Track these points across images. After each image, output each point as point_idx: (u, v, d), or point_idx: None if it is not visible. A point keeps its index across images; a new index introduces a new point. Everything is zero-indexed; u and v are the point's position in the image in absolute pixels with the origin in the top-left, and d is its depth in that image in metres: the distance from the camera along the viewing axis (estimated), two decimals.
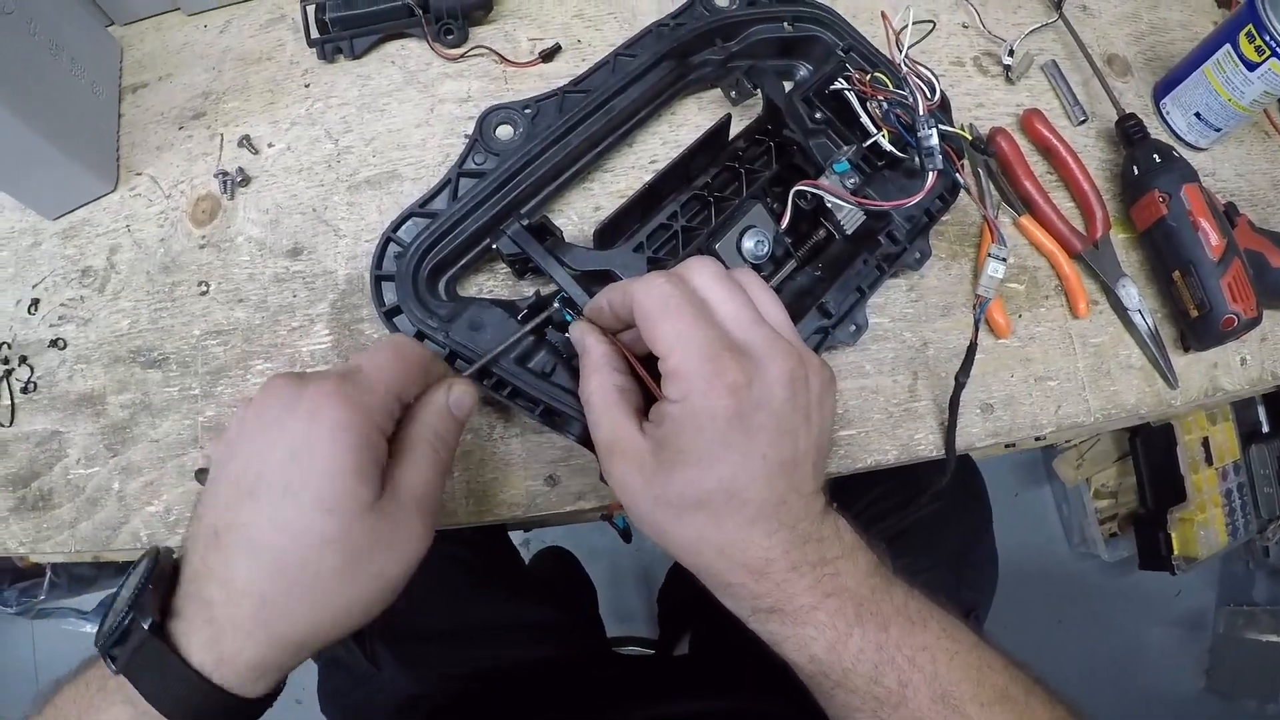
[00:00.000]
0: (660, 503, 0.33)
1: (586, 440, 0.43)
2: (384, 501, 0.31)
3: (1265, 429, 1.42)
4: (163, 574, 0.31)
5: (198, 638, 0.29)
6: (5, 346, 0.53)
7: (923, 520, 0.70)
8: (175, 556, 0.32)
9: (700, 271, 0.35)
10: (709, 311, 0.33)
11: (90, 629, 1.19)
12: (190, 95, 0.58)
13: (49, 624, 1.19)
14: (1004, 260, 0.51)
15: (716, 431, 0.31)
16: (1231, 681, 1.42)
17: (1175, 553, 1.30)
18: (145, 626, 0.29)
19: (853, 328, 0.47)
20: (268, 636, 0.29)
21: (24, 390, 0.51)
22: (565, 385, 0.43)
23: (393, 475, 0.32)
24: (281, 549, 0.29)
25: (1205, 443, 1.32)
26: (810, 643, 0.33)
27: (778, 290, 0.49)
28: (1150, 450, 1.34)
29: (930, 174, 0.45)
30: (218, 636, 0.29)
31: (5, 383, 0.52)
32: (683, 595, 1.21)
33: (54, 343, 0.52)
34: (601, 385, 0.36)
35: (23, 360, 0.52)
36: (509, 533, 0.82)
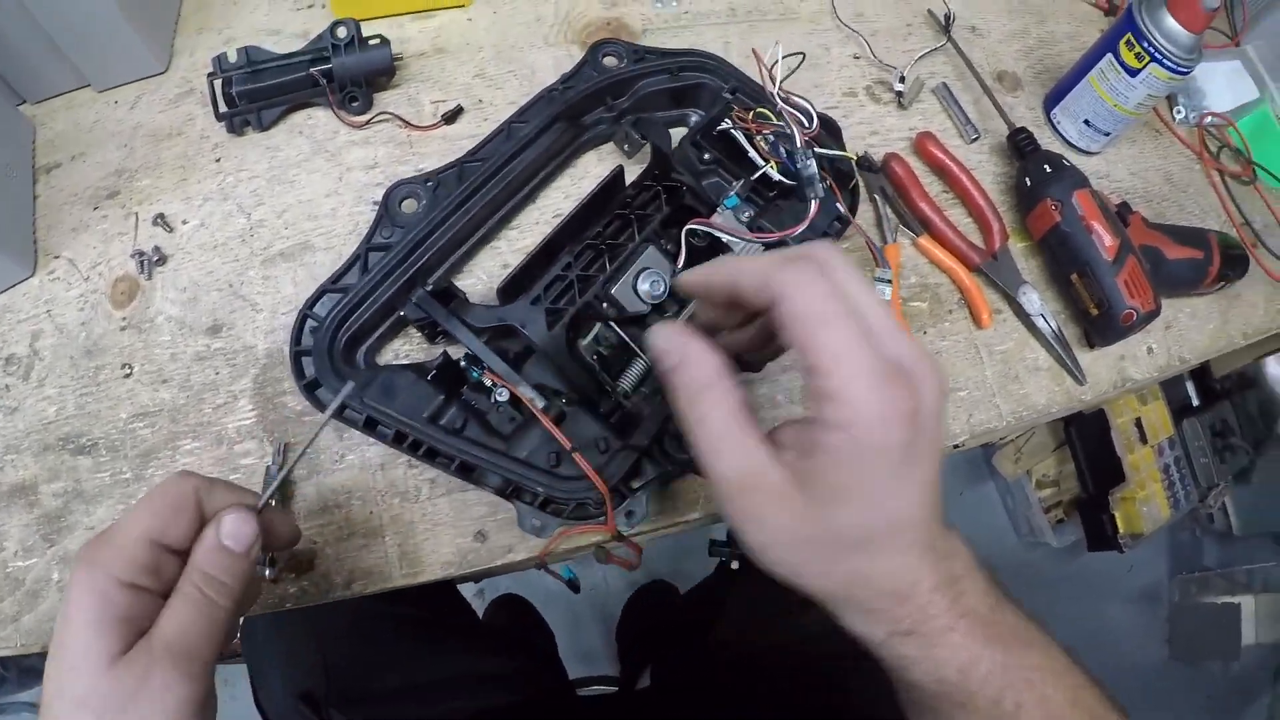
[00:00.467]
0: (813, 544, 0.30)
1: (503, 491, 0.45)
2: (133, 653, 0.30)
3: (1195, 402, 1.47)
4: None
5: None
6: None
7: None
8: None
9: (839, 265, 0.30)
10: (862, 316, 0.29)
11: None
12: (104, 174, 0.58)
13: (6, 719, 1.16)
14: (888, 282, 0.53)
15: (888, 467, 0.28)
16: (1192, 647, 1.47)
17: (1121, 531, 1.34)
18: None
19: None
20: None
21: None
22: (476, 439, 0.45)
23: (156, 624, 0.31)
24: (55, 711, 0.30)
25: (1138, 423, 1.36)
26: (943, 665, 0.31)
27: None
28: (1085, 437, 1.37)
29: (813, 201, 0.47)
30: None
31: None
32: (639, 629, 1.22)
33: None
34: (719, 405, 0.30)
35: None
36: (458, 585, 0.83)
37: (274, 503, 0.36)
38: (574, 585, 0.46)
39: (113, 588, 0.31)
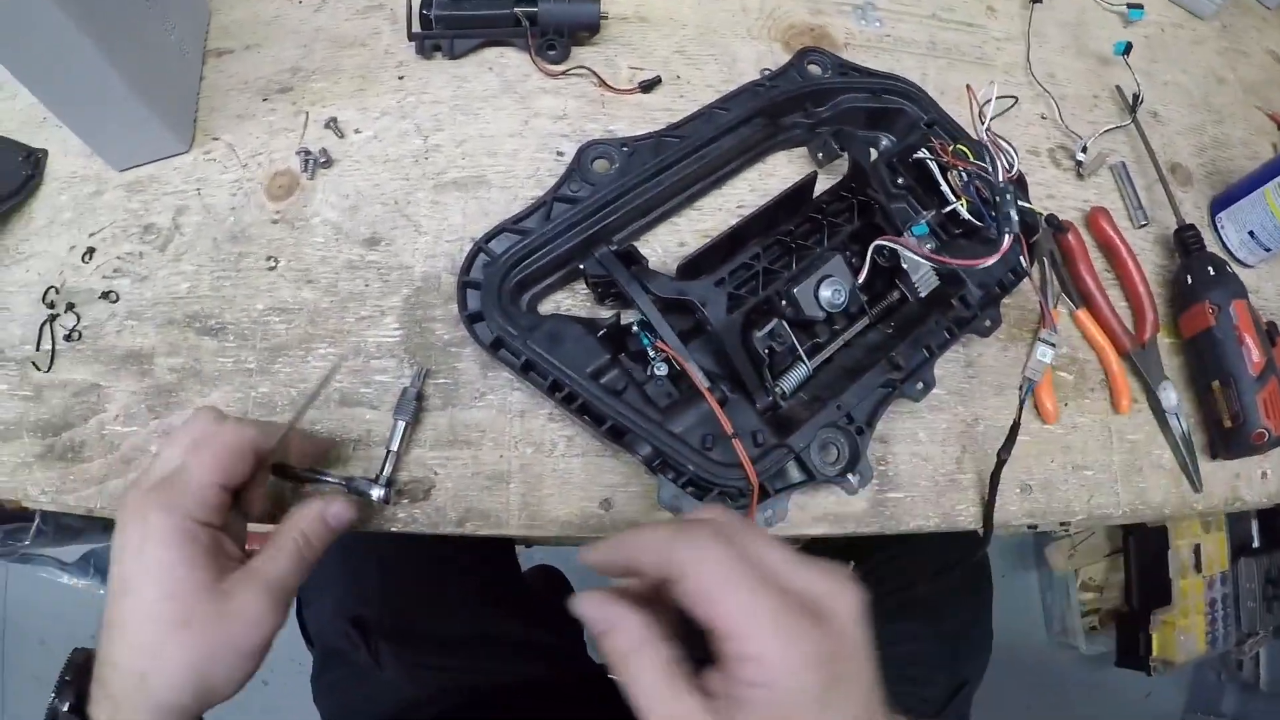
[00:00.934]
0: None
1: (651, 462, 0.44)
2: (230, 583, 0.36)
3: (1256, 544, 1.44)
4: (77, 665, 0.38)
5: (101, 712, 0.35)
6: (53, 290, 0.51)
7: (930, 593, 0.71)
8: (91, 649, 0.38)
9: (730, 521, 0.32)
10: (760, 566, 0.30)
11: (66, 580, 1.16)
12: (278, 69, 0.58)
13: (26, 569, 1.15)
14: (1053, 345, 0.52)
15: (813, 707, 0.29)
16: None
17: (1154, 654, 1.32)
18: (64, 709, 0.36)
19: (920, 385, 0.48)
20: (153, 704, 0.35)
21: (67, 338, 0.50)
22: (635, 405, 0.44)
23: (253, 560, 0.38)
24: (144, 633, 0.35)
25: (1196, 550, 1.34)
26: None
27: (848, 345, 0.50)
28: (1142, 550, 1.36)
29: (1006, 237, 0.46)
30: (114, 710, 0.35)
31: (49, 327, 0.51)
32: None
33: (105, 295, 0.51)
34: (648, 667, 0.30)
35: (70, 307, 0.51)
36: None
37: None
38: None
39: (195, 527, 0.36)
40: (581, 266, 0.47)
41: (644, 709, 0.30)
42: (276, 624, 0.37)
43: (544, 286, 0.49)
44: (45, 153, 0.55)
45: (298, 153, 0.54)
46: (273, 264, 0.52)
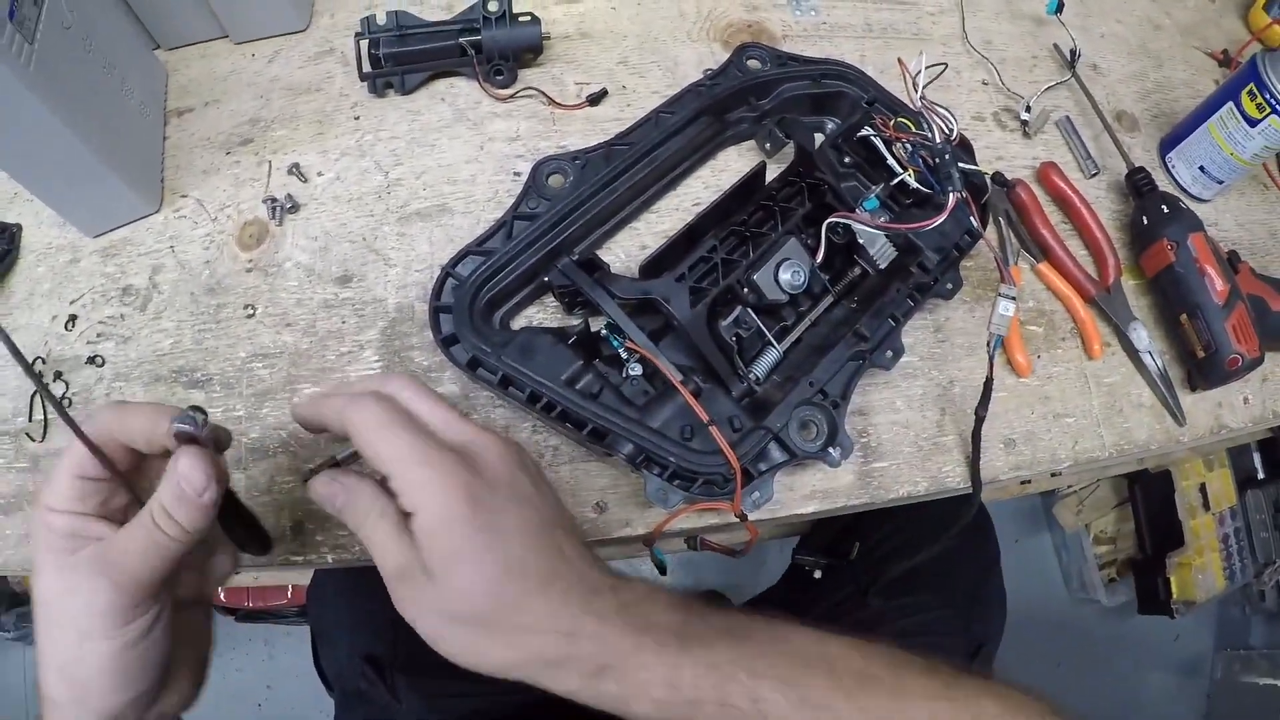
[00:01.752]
0: (453, 619, 0.33)
1: (634, 459, 0.45)
2: (77, 558, 0.33)
3: (1261, 475, 1.45)
4: None
5: None
6: (40, 361, 0.53)
7: (932, 559, 0.71)
8: None
9: (401, 388, 0.37)
10: (418, 421, 0.35)
11: None
12: (237, 122, 0.59)
13: None
14: (1013, 299, 0.53)
15: (467, 527, 0.32)
16: None
17: (1174, 597, 1.32)
18: None
19: (889, 353, 0.49)
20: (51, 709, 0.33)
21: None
22: (612, 405, 0.45)
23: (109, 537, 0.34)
24: (34, 612, 0.34)
25: (1202, 489, 1.35)
26: (647, 686, 0.33)
27: (814, 324, 0.51)
28: (1149, 496, 1.36)
29: (950, 195, 0.47)
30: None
31: (39, 397, 0.52)
32: None
33: (91, 359, 0.52)
34: (381, 521, 0.34)
35: (58, 376, 0.52)
36: None
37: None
38: (662, 568, 0.46)
39: (49, 515, 0.34)
40: (546, 279, 0.49)
41: (379, 562, 0.34)
42: (112, 600, 0.32)
43: (514, 303, 0.50)
44: (19, 227, 0.57)
45: (264, 201, 0.56)
46: (251, 311, 0.53)
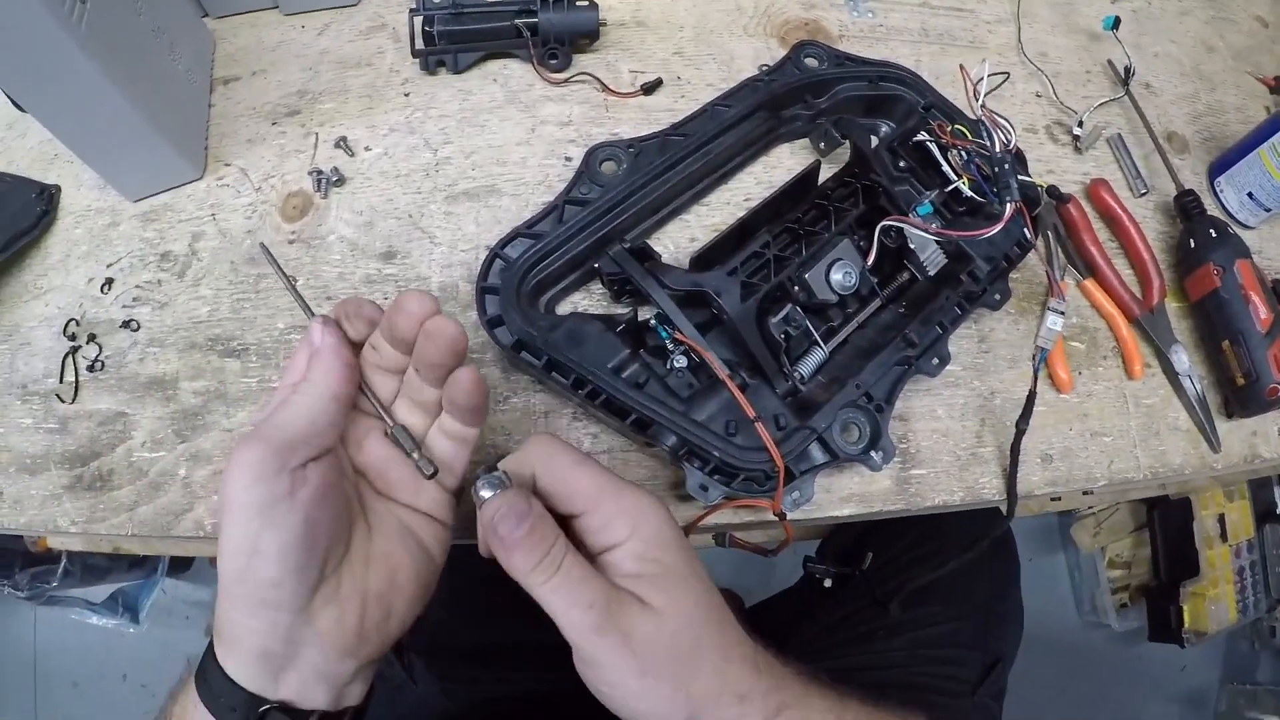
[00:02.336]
0: (668, 654, 0.33)
1: (677, 451, 0.44)
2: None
3: None
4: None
5: (220, 647, 0.33)
6: (73, 323, 0.52)
7: (953, 571, 0.71)
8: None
9: (547, 443, 0.37)
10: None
11: (96, 620, 1.16)
12: (285, 93, 0.59)
13: (55, 611, 1.16)
14: (1062, 314, 0.53)
15: (685, 549, 0.35)
16: None
17: (1186, 626, 1.32)
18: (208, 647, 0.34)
19: (935, 360, 0.49)
20: (259, 600, 0.32)
21: (90, 369, 0.51)
22: (658, 397, 0.45)
23: None
24: (232, 538, 0.32)
25: (1221, 519, 1.34)
26: None
27: (861, 326, 0.51)
28: (1167, 523, 1.35)
29: (1008, 206, 0.47)
30: (219, 633, 0.33)
31: (71, 359, 0.52)
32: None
33: (126, 324, 0.52)
34: (574, 564, 0.34)
35: (91, 338, 0.52)
36: None
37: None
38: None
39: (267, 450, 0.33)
40: (596, 265, 0.48)
41: (573, 599, 0.33)
42: (260, 453, 0.32)
43: (560, 288, 0.50)
44: (58, 188, 0.56)
45: (310, 173, 0.55)
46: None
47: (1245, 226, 0.64)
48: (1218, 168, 0.64)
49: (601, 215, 0.49)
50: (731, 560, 1.31)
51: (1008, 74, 0.52)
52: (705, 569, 0.35)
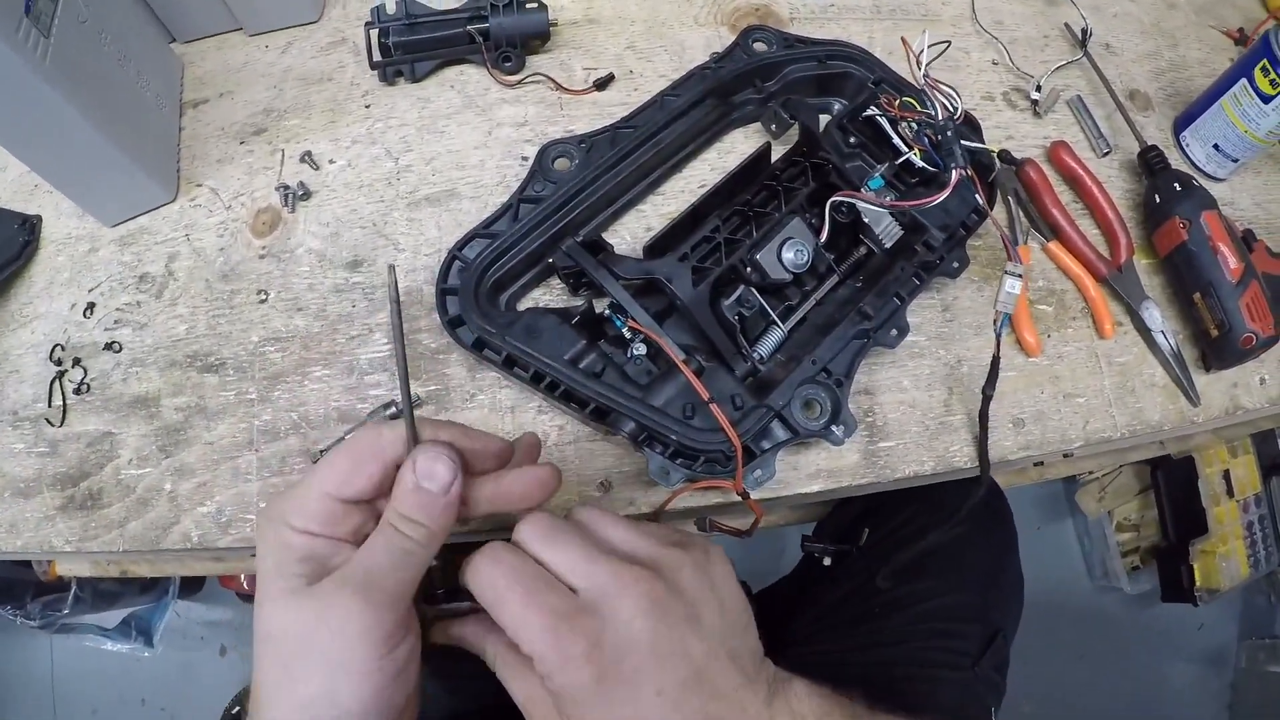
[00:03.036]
0: None
1: (636, 437, 0.45)
2: (315, 587, 0.30)
3: None
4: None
5: None
6: (59, 348, 0.54)
7: (948, 543, 0.71)
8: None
9: (524, 533, 0.34)
10: (544, 573, 0.33)
11: (110, 646, 1.18)
12: (251, 112, 0.60)
13: (69, 639, 1.18)
14: (1019, 276, 0.53)
15: (594, 700, 0.31)
16: (1254, 716, 1.41)
17: (1198, 584, 1.30)
18: None
19: (894, 332, 0.49)
20: None
21: (76, 391, 0.53)
22: (615, 384, 0.45)
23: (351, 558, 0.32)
24: (257, 653, 0.31)
25: (1226, 475, 1.32)
26: None
27: (819, 304, 0.51)
28: (1172, 483, 1.34)
29: (954, 171, 0.47)
30: None
31: (58, 383, 0.53)
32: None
33: (109, 346, 0.54)
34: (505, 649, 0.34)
35: (76, 362, 0.53)
36: None
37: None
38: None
39: (289, 533, 0.32)
40: (551, 261, 0.49)
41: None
42: (371, 621, 0.29)
43: (519, 285, 0.51)
44: (39, 218, 0.58)
45: (277, 189, 0.57)
46: (263, 297, 0.54)
47: (1214, 179, 0.64)
48: (1182, 122, 0.64)
49: (556, 211, 0.50)
50: (734, 546, 1.32)
51: (949, 42, 0.52)
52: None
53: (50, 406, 0.53)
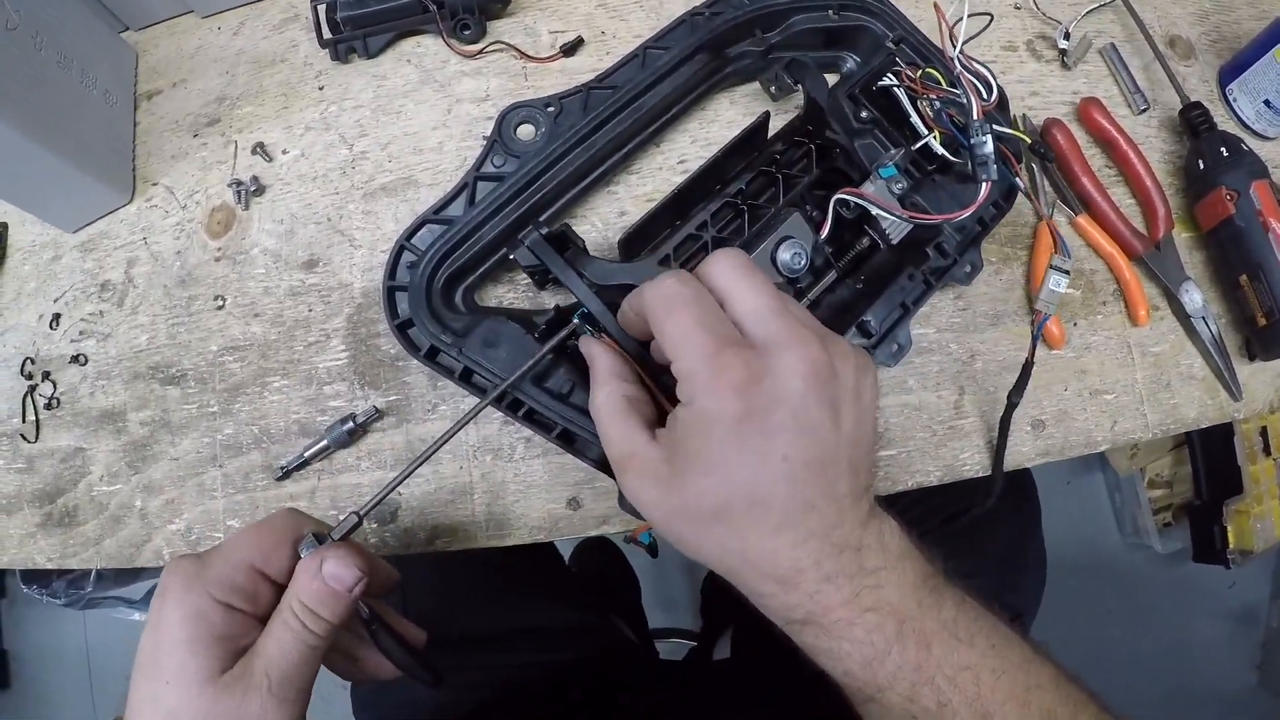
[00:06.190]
0: (679, 514, 0.31)
1: (604, 465, 0.41)
2: (231, 675, 0.31)
3: None
4: None
5: None
6: (29, 362, 0.52)
7: (970, 522, 0.67)
8: None
9: (718, 265, 0.33)
10: (723, 307, 0.32)
11: (139, 616, 1.22)
12: (204, 101, 0.56)
13: (99, 613, 1.21)
14: (1066, 273, 0.47)
15: (727, 434, 0.30)
16: None
17: (1230, 546, 1.25)
18: None
19: (894, 347, 0.44)
20: None
21: (48, 406, 0.51)
22: (583, 407, 0.41)
23: (256, 648, 0.32)
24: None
25: (1264, 432, 1.25)
26: (845, 658, 0.31)
27: (814, 304, 0.46)
28: (1207, 440, 1.28)
29: (984, 184, 0.41)
30: None
31: (30, 398, 0.52)
32: (723, 585, 1.21)
33: (75, 358, 0.52)
34: (609, 396, 0.34)
35: (46, 376, 0.52)
36: None
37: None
38: (653, 550, 0.44)
39: (209, 606, 0.31)
40: (512, 256, 0.44)
41: (604, 439, 0.34)
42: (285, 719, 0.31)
43: (479, 277, 0.46)
44: (5, 225, 0.56)
45: (229, 185, 0.53)
46: (220, 303, 0.51)
47: (1263, 138, 0.56)
48: (1229, 73, 0.56)
49: (519, 191, 0.45)
50: None
51: (990, 16, 0.45)
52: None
53: (24, 422, 0.52)
